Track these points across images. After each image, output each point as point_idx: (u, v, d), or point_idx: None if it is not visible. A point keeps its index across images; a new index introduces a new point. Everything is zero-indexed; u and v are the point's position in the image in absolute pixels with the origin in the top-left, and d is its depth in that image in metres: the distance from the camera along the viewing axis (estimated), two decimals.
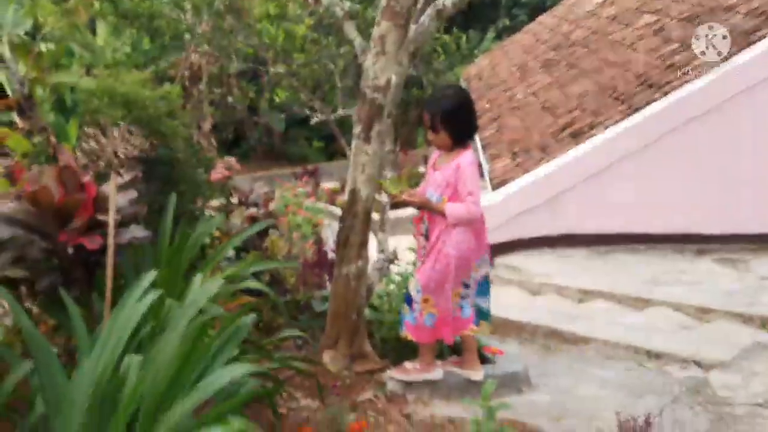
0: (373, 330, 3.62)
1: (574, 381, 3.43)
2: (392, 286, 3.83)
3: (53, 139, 8.59)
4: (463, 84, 9.72)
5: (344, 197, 3.35)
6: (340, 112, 4.77)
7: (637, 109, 5.65)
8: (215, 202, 4.96)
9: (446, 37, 3.90)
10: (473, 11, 11.73)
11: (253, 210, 4.96)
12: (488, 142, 7.21)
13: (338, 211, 9.52)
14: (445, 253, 3.02)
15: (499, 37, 12.99)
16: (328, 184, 10.48)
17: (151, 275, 1.96)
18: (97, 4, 8.82)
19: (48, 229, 2.47)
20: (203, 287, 1.94)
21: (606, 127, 5.71)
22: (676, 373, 3.50)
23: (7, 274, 2.26)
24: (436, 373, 3.19)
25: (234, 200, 5.46)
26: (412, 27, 3.25)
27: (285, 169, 11.67)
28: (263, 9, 5.41)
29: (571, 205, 5.61)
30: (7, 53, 9.05)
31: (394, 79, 3.15)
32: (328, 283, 4.52)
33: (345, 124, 7.20)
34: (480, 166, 4.74)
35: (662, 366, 3.62)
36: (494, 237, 5.41)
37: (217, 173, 5.27)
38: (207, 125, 6.85)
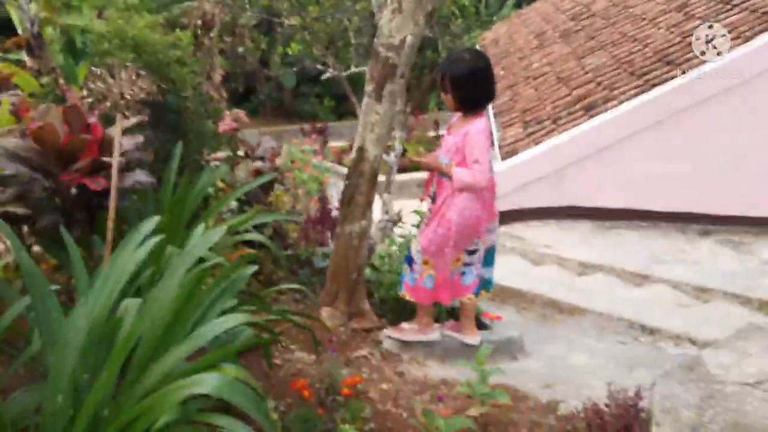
0: (372, 290, 3.64)
1: (568, 350, 3.46)
2: (394, 248, 3.84)
3: (61, 81, 8.53)
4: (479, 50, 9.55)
5: (352, 155, 3.33)
6: (353, 69, 4.70)
7: (653, 86, 5.56)
8: (221, 154, 4.94)
9: (465, 0, 3.80)
10: None
11: (259, 164, 4.93)
12: (501, 110, 7.13)
13: (345, 171, 9.48)
14: (448, 218, 3.02)
15: (518, 5, 12.72)
16: (336, 144, 10.40)
17: (153, 221, 1.95)
18: None
19: (51, 168, 2.46)
20: (204, 236, 1.94)
21: (620, 102, 5.63)
22: (670, 350, 3.52)
23: (9, 210, 2.26)
24: (433, 335, 3.22)
25: (240, 153, 5.43)
26: None
27: (294, 125, 11.58)
28: None
29: (578, 178, 5.58)
30: None
31: (409, 38, 3.09)
32: (329, 241, 4.54)
33: (357, 83, 7.08)
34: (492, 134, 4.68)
35: (656, 341, 3.65)
36: (500, 205, 5.41)
37: (225, 125, 5.23)
38: (217, 76, 6.77)
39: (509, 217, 5.54)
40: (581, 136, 5.54)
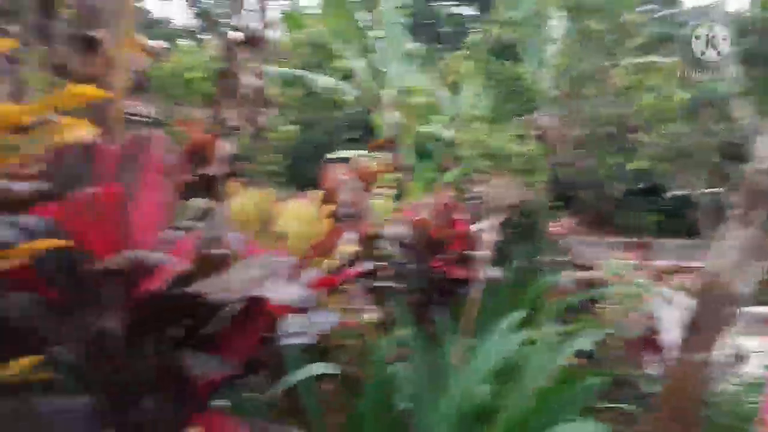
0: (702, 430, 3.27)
1: None
2: (734, 389, 3.42)
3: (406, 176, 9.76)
4: None
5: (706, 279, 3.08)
6: (706, 189, 4.48)
7: None
8: (549, 258, 5.07)
9: None
10: None
11: (587, 273, 4.91)
12: None
13: (666, 293, 8.76)
14: None
15: None
16: (660, 262, 9.77)
17: (518, 315, 2.12)
18: (467, 65, 9.91)
19: (424, 254, 2.86)
20: (565, 344, 2.03)
21: None
22: None
23: (389, 284, 2.68)
24: None
25: (565, 258, 5.50)
26: None
27: (616, 237, 11.26)
28: (631, 78, 5.44)
29: None
30: (386, 103, 10.71)
31: None
32: (648, 364, 4.25)
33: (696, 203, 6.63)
34: None
35: None
36: None
37: (554, 228, 5.38)
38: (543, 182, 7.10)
39: None
40: None
